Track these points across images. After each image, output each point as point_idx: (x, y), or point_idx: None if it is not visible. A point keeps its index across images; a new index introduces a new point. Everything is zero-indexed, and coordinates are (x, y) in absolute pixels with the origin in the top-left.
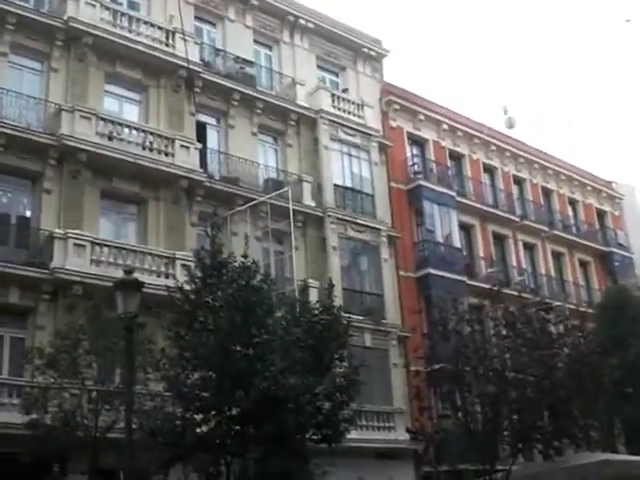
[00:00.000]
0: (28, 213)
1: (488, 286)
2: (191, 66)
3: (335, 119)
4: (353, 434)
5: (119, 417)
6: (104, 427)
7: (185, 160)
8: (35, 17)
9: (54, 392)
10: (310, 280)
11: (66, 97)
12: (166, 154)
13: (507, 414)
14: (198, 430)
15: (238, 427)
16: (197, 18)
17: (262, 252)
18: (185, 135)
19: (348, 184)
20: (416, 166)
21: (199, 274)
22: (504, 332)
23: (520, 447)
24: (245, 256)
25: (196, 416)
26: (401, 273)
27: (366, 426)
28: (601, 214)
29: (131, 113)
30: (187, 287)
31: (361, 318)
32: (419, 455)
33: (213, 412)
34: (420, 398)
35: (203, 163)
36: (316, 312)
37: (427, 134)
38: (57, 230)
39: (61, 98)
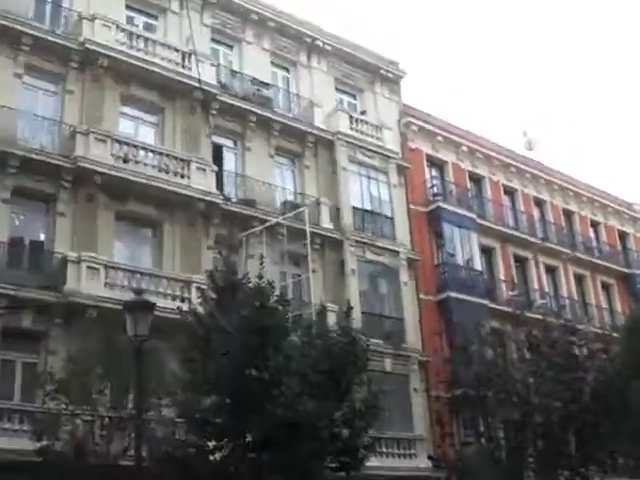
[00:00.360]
0: (42, 236)
1: (510, 309)
2: (207, 87)
3: (353, 141)
4: (372, 462)
5: (131, 444)
6: (116, 454)
7: (201, 182)
8: (51, 38)
9: (66, 418)
10: (329, 304)
11: (81, 119)
12: (182, 176)
13: (532, 440)
14: (211, 457)
15: (253, 454)
16: (214, 40)
17: (279, 275)
18: (201, 157)
19: (367, 206)
20: (435, 188)
21: (213, 295)
22: (528, 355)
23: (546, 474)
24: (260, 277)
25: (209, 443)
26: (421, 296)
27: (386, 453)
28: (623, 235)
29: (147, 135)
30: (200, 309)
31: (381, 342)
32: None
33: (227, 439)
34: (442, 424)
35: (219, 185)
36: (334, 335)
37: (446, 156)
38: (71, 253)
39: (76, 120)
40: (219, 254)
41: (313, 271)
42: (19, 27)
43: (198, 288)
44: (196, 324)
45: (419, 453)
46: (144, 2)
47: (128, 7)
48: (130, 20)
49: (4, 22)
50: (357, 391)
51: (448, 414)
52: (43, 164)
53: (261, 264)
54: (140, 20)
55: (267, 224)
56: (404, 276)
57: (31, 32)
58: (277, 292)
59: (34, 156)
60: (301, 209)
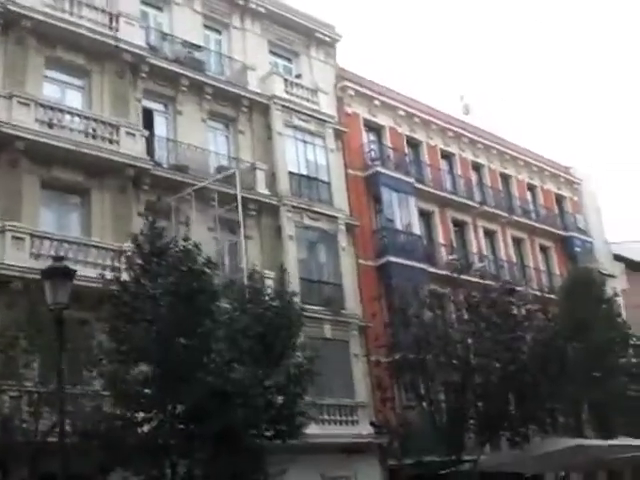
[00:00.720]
0: None
1: (448, 273)
2: (135, 50)
3: (289, 105)
4: (314, 429)
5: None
6: (45, 431)
7: (131, 148)
8: None
9: None
10: (266, 271)
11: (4, 83)
12: (110, 141)
13: (472, 402)
14: (139, 430)
15: (182, 425)
16: (143, 2)
17: (214, 242)
18: (131, 122)
19: (303, 171)
20: (373, 153)
21: (138, 261)
22: (466, 316)
23: (487, 436)
24: (186, 239)
25: (137, 415)
26: (360, 262)
27: (328, 420)
28: (560, 199)
29: (74, 100)
30: (125, 276)
31: (320, 309)
32: (384, 449)
33: (155, 410)
34: (383, 389)
35: (150, 151)
36: (267, 299)
37: (383, 120)
38: None
39: None
40: (146, 219)
41: (249, 238)
42: None
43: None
44: (121, 292)
45: (361, 419)
46: None
47: None
48: None
49: None
50: (292, 356)
51: (389, 379)
52: None
53: (186, 225)
54: None
55: (195, 187)
56: (342, 241)
57: None
58: (206, 256)
59: None
60: (230, 171)
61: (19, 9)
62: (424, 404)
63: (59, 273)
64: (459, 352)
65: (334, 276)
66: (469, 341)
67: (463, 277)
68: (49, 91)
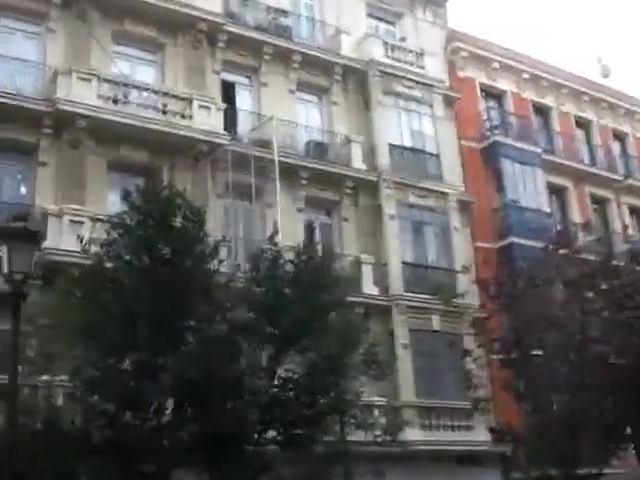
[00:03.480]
0: (22, 190)
1: (588, 257)
2: (212, 18)
3: (389, 70)
4: (418, 435)
5: None
6: None
7: (205, 122)
8: None
9: None
10: (363, 255)
11: (66, 61)
12: (182, 116)
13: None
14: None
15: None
16: None
17: (303, 224)
18: (204, 94)
19: (407, 144)
20: (492, 121)
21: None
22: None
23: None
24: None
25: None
26: (478, 244)
27: (436, 425)
28: None
29: (145, 76)
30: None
31: (427, 297)
32: (507, 459)
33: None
34: (505, 390)
35: (232, 127)
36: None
37: (504, 85)
38: (52, 207)
39: (60, 62)
40: None
41: (345, 219)
42: None
43: None
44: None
45: (477, 425)
46: None
47: None
48: None
49: None
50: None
51: (511, 378)
52: (19, 110)
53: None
54: None
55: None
56: (455, 221)
57: None
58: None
59: (8, 101)
60: (263, 122)
61: None
62: (554, 407)
63: (20, 235)
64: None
65: (445, 260)
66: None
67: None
68: (118, 68)
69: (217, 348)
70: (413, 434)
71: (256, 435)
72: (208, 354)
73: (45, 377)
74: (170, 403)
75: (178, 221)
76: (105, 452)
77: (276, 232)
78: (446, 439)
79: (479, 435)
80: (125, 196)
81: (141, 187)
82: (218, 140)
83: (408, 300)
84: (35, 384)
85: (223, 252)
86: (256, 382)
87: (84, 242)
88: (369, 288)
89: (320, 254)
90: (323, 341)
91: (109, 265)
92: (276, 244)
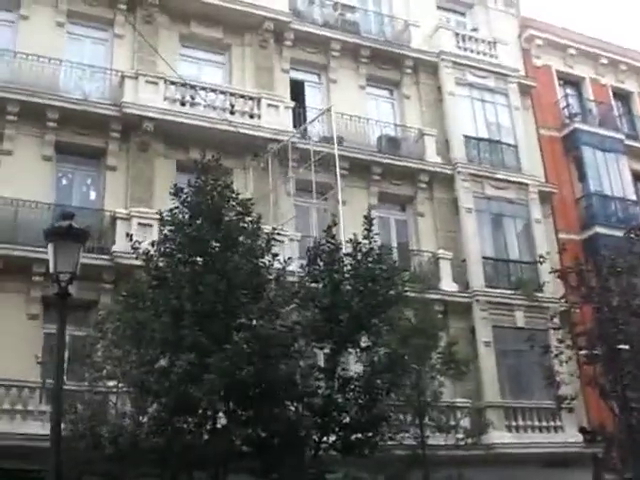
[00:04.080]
0: (92, 195)
1: None
2: (278, 17)
3: (461, 60)
4: (506, 438)
5: None
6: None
7: (273, 120)
8: None
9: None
10: (441, 250)
11: (133, 65)
12: (250, 116)
13: None
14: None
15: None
16: None
17: (378, 221)
18: (272, 93)
19: (482, 135)
20: (570, 108)
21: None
22: None
23: None
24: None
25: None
26: (561, 236)
27: (523, 427)
28: None
29: (212, 78)
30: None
31: (509, 292)
32: (599, 461)
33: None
34: (597, 387)
35: (301, 124)
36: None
37: (582, 71)
38: (121, 210)
39: (127, 66)
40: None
41: (420, 214)
42: None
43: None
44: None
45: (567, 425)
46: None
47: None
48: None
49: None
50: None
51: (602, 374)
52: (88, 114)
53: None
54: None
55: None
56: (536, 212)
57: None
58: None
59: (77, 107)
60: (321, 113)
61: None
62: None
63: (66, 234)
64: None
65: (527, 254)
66: None
67: None
68: (185, 70)
69: (266, 347)
70: (498, 436)
71: (315, 439)
72: (257, 353)
73: (111, 383)
74: (222, 406)
75: (228, 215)
76: (155, 459)
77: (334, 224)
78: (533, 441)
79: (569, 436)
80: (175, 192)
81: (192, 182)
82: (286, 138)
83: (489, 296)
84: (102, 390)
85: (284, 248)
86: (311, 383)
87: (133, 241)
88: (448, 285)
89: (379, 246)
90: (384, 337)
91: (161, 263)
92: (333, 236)
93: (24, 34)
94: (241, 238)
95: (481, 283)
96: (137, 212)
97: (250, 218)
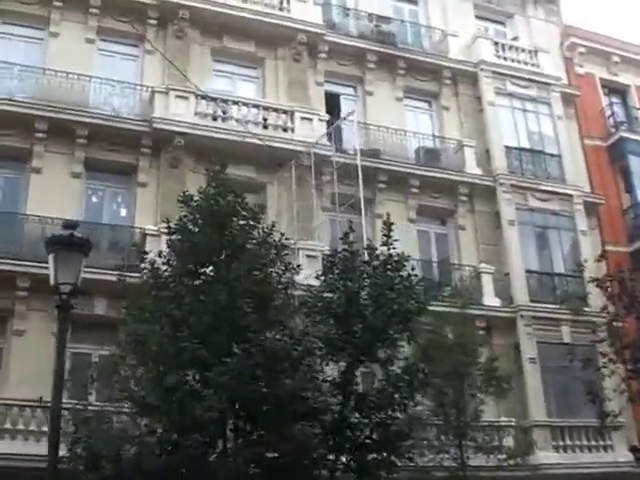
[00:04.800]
0: (122, 212)
1: None
2: (312, 29)
3: (501, 70)
4: (553, 459)
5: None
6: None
7: (307, 134)
8: None
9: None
10: (482, 264)
11: (163, 81)
12: (284, 129)
13: None
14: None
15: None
16: None
17: (417, 235)
18: (305, 105)
19: (524, 145)
20: (616, 117)
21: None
22: None
23: None
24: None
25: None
26: (608, 248)
27: (571, 446)
28: None
29: (246, 92)
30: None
31: (555, 307)
32: None
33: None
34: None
35: (337, 138)
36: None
37: (627, 79)
38: (151, 227)
39: (158, 82)
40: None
41: (461, 228)
42: None
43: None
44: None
45: (617, 444)
46: None
47: None
48: None
49: None
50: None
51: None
52: (118, 130)
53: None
54: None
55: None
56: (582, 224)
57: None
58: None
59: (106, 123)
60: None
61: None
62: None
63: (67, 244)
64: None
65: (573, 266)
66: None
67: None
68: (218, 85)
69: (272, 360)
70: (544, 456)
71: (327, 460)
72: (262, 367)
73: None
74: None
75: (234, 223)
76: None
77: (351, 230)
78: (581, 461)
79: (619, 455)
80: (184, 200)
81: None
82: (322, 151)
83: (534, 311)
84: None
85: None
86: (321, 399)
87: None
88: (491, 299)
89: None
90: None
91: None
92: (351, 244)
93: (53, 51)
94: (248, 246)
95: (525, 298)
96: (166, 228)
97: (260, 226)
